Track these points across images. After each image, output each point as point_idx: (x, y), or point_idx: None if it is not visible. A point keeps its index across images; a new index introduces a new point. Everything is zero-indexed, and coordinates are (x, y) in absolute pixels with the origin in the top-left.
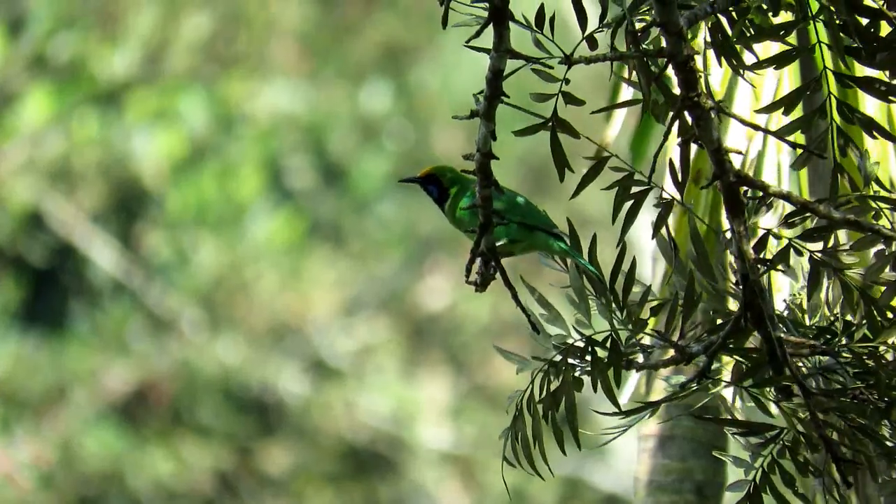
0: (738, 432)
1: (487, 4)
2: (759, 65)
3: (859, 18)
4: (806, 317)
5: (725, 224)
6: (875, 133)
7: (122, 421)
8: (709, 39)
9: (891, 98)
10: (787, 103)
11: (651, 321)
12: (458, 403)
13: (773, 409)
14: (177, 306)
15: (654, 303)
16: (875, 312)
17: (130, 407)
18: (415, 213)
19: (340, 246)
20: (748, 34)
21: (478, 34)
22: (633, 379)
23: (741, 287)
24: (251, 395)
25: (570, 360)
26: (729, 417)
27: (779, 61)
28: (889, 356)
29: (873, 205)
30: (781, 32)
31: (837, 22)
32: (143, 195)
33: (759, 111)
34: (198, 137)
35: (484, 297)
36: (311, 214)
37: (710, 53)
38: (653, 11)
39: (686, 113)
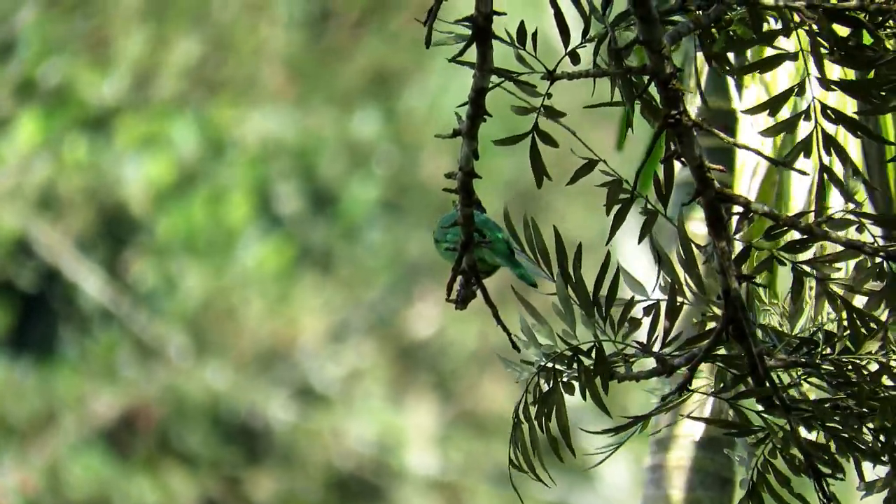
0: (731, 433)
1: (471, 24)
2: (746, 69)
3: (839, 28)
4: (786, 326)
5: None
6: (860, 133)
7: (109, 447)
8: (697, 45)
9: (874, 102)
10: (772, 105)
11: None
12: (445, 430)
13: (756, 418)
14: (164, 333)
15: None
16: (857, 323)
17: (117, 433)
18: (403, 239)
19: (329, 272)
20: (733, 40)
21: (461, 53)
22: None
23: (723, 301)
24: (238, 421)
25: (559, 367)
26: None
27: (763, 66)
28: (871, 366)
29: (855, 219)
30: (762, 41)
31: (816, 30)
32: (131, 221)
33: (745, 111)
34: (186, 163)
35: (471, 323)
36: (300, 240)
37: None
38: (636, 28)
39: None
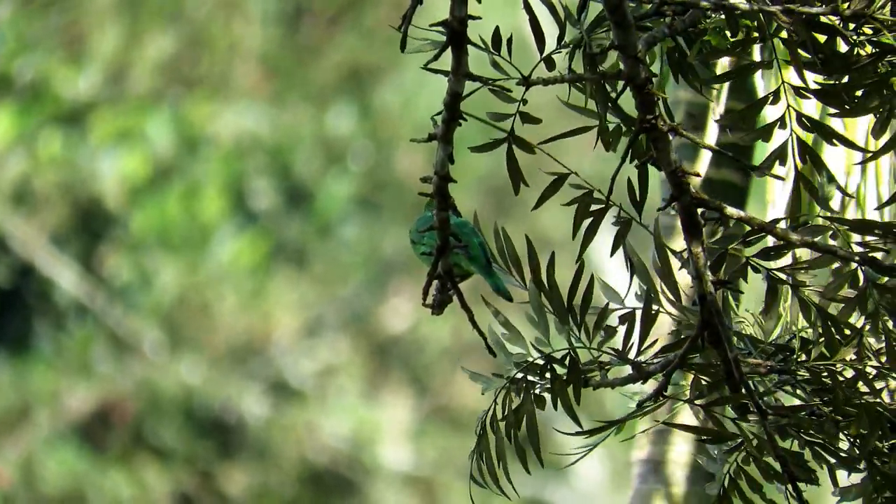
0: (704, 440)
1: (446, 28)
2: (718, 79)
3: (818, 36)
4: (762, 334)
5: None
6: (836, 141)
7: (83, 441)
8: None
9: (847, 109)
10: (746, 115)
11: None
12: (419, 425)
13: (730, 425)
14: (139, 327)
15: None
16: (833, 329)
17: (92, 427)
18: (378, 236)
19: (304, 267)
20: (705, 52)
21: (436, 58)
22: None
23: (699, 307)
24: (213, 416)
25: (530, 378)
26: (693, 425)
27: (738, 75)
28: (847, 373)
29: (831, 225)
30: (738, 50)
31: (795, 39)
32: (105, 216)
33: (718, 121)
34: (161, 159)
35: (446, 319)
36: (274, 236)
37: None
38: (611, 34)
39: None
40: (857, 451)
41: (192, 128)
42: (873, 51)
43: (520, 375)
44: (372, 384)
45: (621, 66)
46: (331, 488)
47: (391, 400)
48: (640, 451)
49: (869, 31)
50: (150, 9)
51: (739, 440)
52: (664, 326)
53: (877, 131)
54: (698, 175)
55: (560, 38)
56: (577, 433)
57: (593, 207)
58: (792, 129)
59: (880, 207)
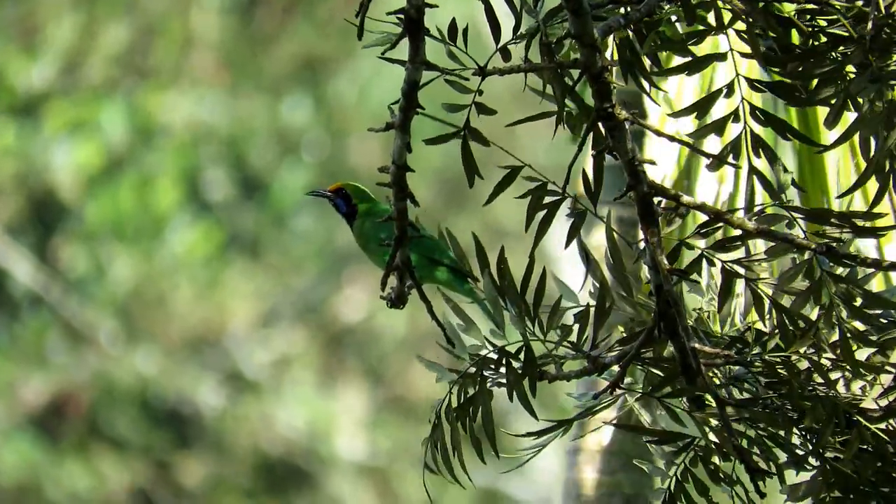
0: (651, 440)
1: (403, 16)
2: (669, 72)
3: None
4: (717, 327)
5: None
6: (789, 136)
7: (39, 432)
8: (616, 56)
9: (801, 101)
10: (699, 108)
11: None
12: (374, 415)
13: (686, 418)
14: (94, 318)
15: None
16: (787, 322)
17: (47, 419)
18: (333, 226)
19: (258, 258)
20: (657, 44)
21: (393, 46)
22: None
23: (655, 297)
24: (168, 406)
25: (484, 372)
26: (642, 426)
27: (690, 68)
28: (801, 365)
29: (787, 214)
30: (693, 41)
31: (757, 31)
32: (60, 207)
33: (671, 115)
34: (115, 149)
35: (400, 310)
36: (229, 227)
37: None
38: (567, 23)
39: (600, 124)
40: (810, 447)
41: (146, 118)
42: (826, 41)
43: (473, 370)
44: (327, 375)
45: (578, 55)
46: (286, 479)
47: (346, 390)
48: (570, 441)
49: (823, 23)
50: None
51: (688, 440)
52: (615, 316)
53: (830, 122)
54: (654, 163)
55: (516, 28)
56: (526, 434)
57: (547, 199)
58: (746, 123)
59: (841, 196)
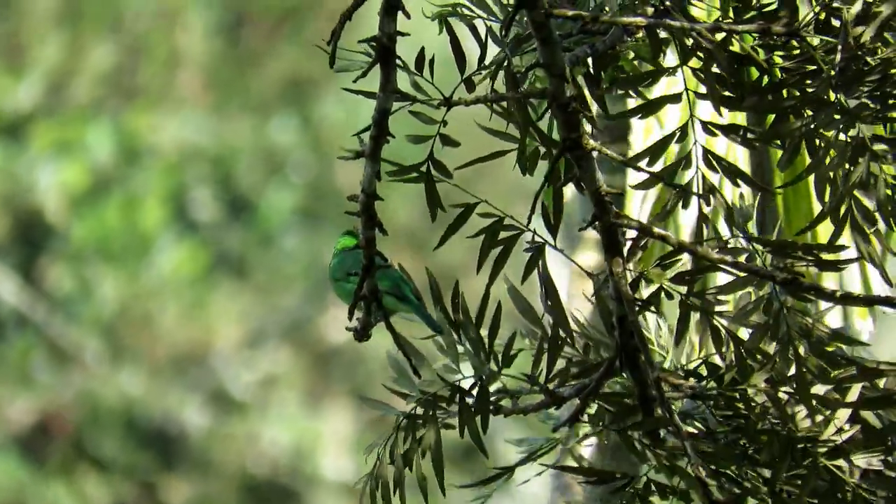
0: (586, 481)
1: (375, 44)
2: (630, 113)
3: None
4: (670, 360)
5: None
6: (739, 181)
7: (24, 452)
8: (586, 91)
9: (755, 144)
10: (652, 153)
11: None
12: (360, 435)
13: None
14: (80, 338)
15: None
16: (744, 355)
17: (33, 438)
18: (319, 246)
19: (244, 278)
20: (616, 80)
21: (365, 73)
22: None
23: (617, 329)
24: (154, 426)
25: (434, 411)
26: (578, 467)
27: (645, 110)
28: (758, 399)
29: (748, 247)
30: (647, 81)
31: (715, 72)
32: (46, 227)
33: (625, 162)
34: (102, 169)
35: (386, 329)
36: (215, 247)
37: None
38: (535, 53)
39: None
40: (761, 482)
41: (132, 138)
42: (786, 76)
43: (419, 411)
44: (313, 395)
45: (544, 85)
46: (272, 498)
47: (332, 410)
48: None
49: (779, 59)
50: (90, 19)
51: (625, 480)
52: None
53: (784, 163)
54: (620, 193)
55: (481, 58)
56: (466, 485)
57: (502, 235)
58: (698, 167)
59: (801, 232)
